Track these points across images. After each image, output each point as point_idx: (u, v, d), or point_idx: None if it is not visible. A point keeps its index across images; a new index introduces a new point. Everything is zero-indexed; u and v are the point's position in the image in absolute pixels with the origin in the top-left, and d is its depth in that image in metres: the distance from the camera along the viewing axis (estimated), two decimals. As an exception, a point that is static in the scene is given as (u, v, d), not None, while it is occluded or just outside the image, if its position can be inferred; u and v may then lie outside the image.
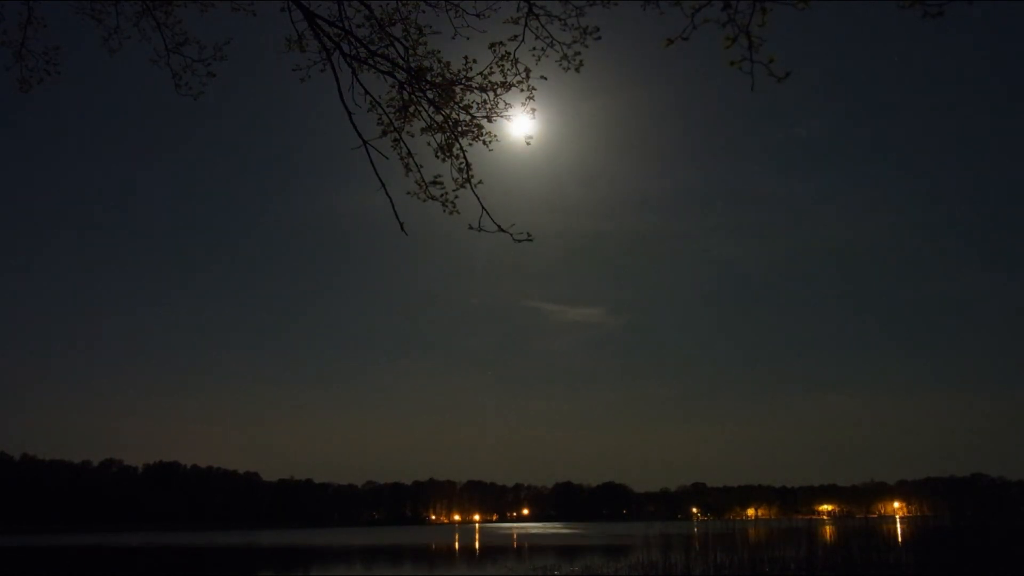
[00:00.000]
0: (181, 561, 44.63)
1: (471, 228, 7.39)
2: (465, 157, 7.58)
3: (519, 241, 7.32)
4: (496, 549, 53.11)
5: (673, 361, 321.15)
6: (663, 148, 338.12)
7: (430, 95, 7.48)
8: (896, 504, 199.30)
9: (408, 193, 7.62)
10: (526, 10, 6.91)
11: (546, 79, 7.20)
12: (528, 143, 7.39)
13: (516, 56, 7.10)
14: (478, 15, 7.18)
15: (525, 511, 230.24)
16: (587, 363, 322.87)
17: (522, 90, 7.23)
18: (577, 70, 7.10)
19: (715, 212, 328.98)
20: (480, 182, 7.53)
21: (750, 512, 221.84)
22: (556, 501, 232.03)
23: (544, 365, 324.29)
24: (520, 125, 7.40)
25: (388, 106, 7.57)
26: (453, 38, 7.31)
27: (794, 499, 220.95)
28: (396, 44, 7.36)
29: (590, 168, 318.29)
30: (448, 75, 7.35)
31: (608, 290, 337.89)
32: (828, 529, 28.36)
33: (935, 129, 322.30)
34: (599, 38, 7.00)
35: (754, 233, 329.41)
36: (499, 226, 7.32)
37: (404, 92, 7.52)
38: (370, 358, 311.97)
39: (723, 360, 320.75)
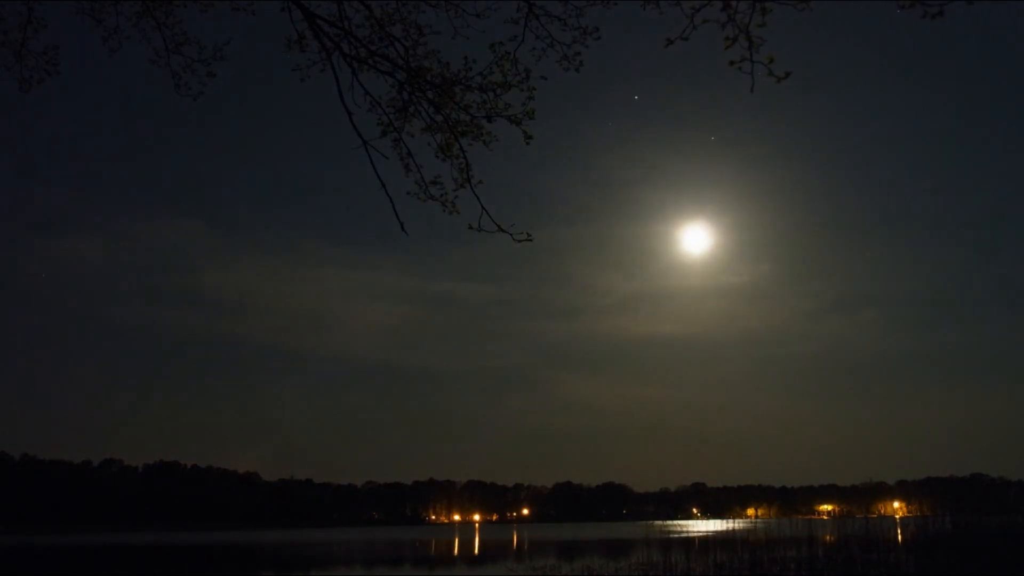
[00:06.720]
0: (181, 561, 44.62)
1: (471, 228, 7.39)
2: (465, 157, 7.57)
3: (519, 241, 7.31)
4: (496, 549, 53.12)
5: (674, 360, 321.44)
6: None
7: (430, 95, 7.47)
8: (896, 504, 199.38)
9: (408, 193, 7.61)
10: (526, 10, 6.90)
11: (546, 79, 7.19)
12: (528, 143, 7.38)
13: (516, 56, 7.09)
14: (478, 15, 7.18)
15: (525, 511, 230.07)
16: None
17: (522, 90, 7.22)
18: (577, 70, 7.10)
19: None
20: (480, 182, 7.52)
21: (750, 512, 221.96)
22: (556, 501, 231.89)
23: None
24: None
25: (388, 106, 7.56)
26: (453, 38, 7.31)
27: (794, 499, 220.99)
28: (396, 44, 7.35)
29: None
30: (448, 75, 7.34)
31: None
32: (828, 529, 28.36)
33: None
34: (599, 38, 6.99)
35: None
36: (499, 226, 7.31)
37: (404, 92, 7.51)
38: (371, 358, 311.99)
39: (722, 359, 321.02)
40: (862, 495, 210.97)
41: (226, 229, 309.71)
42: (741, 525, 45.11)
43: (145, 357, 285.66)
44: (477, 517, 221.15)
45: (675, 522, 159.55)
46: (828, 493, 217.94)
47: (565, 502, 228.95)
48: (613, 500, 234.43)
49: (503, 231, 7.29)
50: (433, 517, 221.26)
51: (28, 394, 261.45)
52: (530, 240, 7.30)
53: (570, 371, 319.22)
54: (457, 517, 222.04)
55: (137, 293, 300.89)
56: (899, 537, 26.78)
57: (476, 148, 7.56)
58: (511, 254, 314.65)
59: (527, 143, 7.35)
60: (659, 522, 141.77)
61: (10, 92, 7.73)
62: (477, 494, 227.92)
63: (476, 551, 52.14)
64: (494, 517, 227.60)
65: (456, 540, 75.10)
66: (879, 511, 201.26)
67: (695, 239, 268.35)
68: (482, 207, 7.36)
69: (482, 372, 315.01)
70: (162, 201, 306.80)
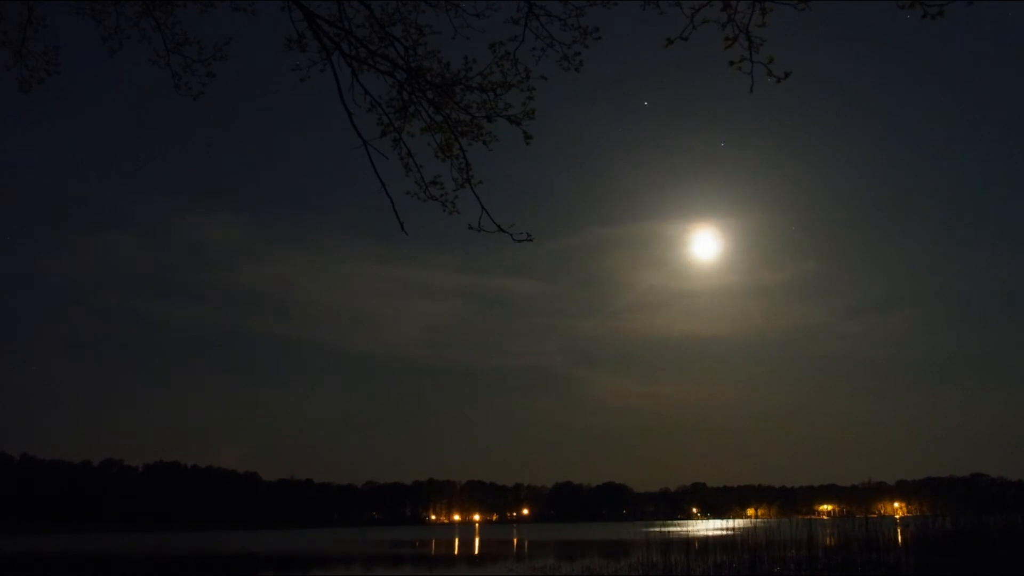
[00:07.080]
0: (181, 560, 44.62)
1: (471, 228, 7.39)
2: (465, 157, 7.57)
3: (519, 241, 7.32)
4: (496, 549, 53.11)
5: (675, 361, 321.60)
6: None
7: (430, 95, 7.47)
8: (896, 504, 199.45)
9: (408, 193, 7.62)
10: (526, 10, 6.91)
11: (546, 79, 7.19)
12: (528, 143, 7.38)
13: (516, 56, 7.09)
14: (478, 15, 7.18)
15: (525, 511, 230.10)
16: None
17: (522, 90, 7.22)
18: (577, 70, 7.10)
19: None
20: (480, 182, 7.52)
21: (750, 512, 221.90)
22: (556, 501, 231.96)
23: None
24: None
25: (388, 106, 7.56)
26: (453, 38, 7.31)
27: (794, 499, 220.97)
28: (396, 44, 7.35)
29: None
30: (448, 75, 7.34)
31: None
32: (828, 529, 28.32)
33: None
34: (599, 38, 6.99)
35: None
36: (499, 226, 7.31)
37: (404, 92, 7.51)
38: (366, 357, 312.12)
39: (722, 360, 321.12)
40: (862, 495, 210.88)
41: (227, 229, 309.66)
42: (741, 525, 45.12)
43: (144, 357, 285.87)
44: (477, 517, 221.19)
45: (675, 522, 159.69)
46: (828, 493, 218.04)
47: (565, 502, 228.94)
48: (613, 500, 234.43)
49: (503, 231, 7.30)
50: (433, 517, 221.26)
51: (28, 394, 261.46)
52: (530, 240, 7.31)
53: (573, 371, 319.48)
54: (457, 517, 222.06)
55: (136, 293, 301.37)
56: (899, 537, 26.76)
57: (478, 149, 7.57)
58: (520, 254, 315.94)
59: (527, 143, 7.36)
60: (659, 522, 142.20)
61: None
62: (477, 494, 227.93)
63: (476, 551, 52.14)
64: (494, 517, 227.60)
65: (456, 540, 75.09)
66: (879, 511, 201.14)
67: (705, 241, 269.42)
68: (482, 207, 7.37)
69: (484, 372, 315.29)
70: (172, 199, 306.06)
